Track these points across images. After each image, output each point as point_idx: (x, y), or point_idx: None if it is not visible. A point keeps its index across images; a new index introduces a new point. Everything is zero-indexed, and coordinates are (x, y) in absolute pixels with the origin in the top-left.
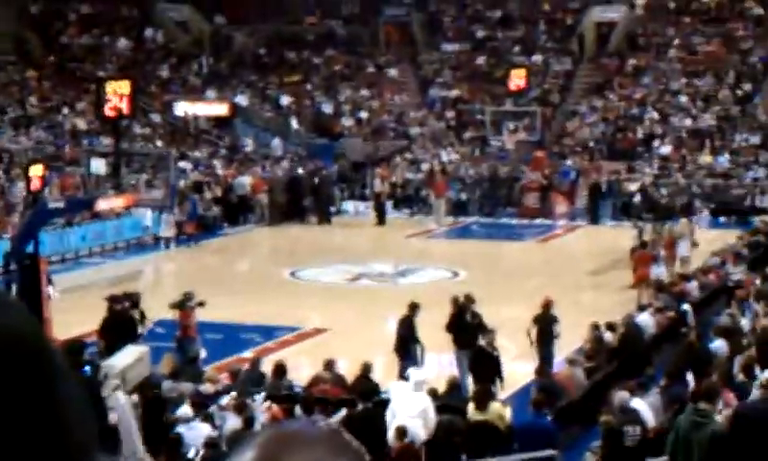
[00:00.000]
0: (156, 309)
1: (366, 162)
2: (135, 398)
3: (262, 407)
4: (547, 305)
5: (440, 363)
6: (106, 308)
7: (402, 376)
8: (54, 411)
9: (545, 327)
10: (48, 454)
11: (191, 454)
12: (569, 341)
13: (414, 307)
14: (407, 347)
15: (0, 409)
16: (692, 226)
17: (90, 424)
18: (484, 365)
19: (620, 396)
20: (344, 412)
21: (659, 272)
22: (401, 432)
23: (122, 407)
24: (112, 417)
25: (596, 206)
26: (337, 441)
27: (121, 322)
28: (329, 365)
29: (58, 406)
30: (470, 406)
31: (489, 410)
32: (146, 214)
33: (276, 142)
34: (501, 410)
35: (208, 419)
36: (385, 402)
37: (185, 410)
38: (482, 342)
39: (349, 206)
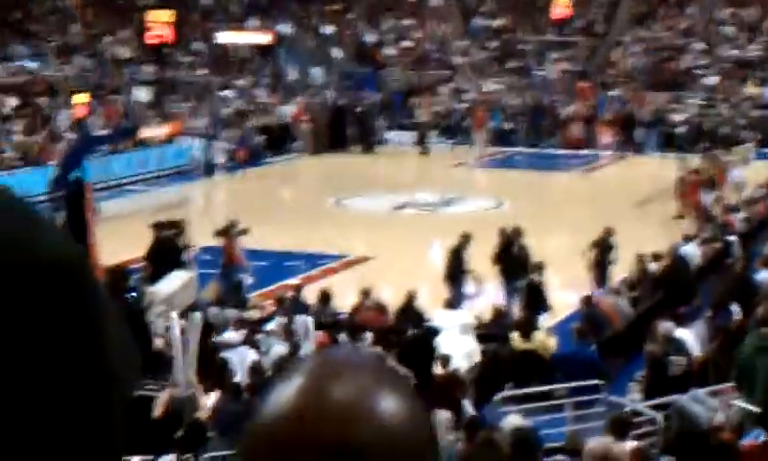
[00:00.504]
0: (202, 236)
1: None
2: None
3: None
4: (608, 232)
5: (485, 292)
6: (151, 235)
7: (451, 306)
8: (94, 338)
9: (603, 252)
10: (87, 381)
11: (237, 379)
12: (615, 271)
13: (465, 238)
14: (457, 276)
15: (40, 334)
16: (746, 152)
17: (132, 354)
18: (534, 297)
19: (665, 326)
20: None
21: (708, 199)
22: (445, 360)
23: (174, 332)
24: (157, 342)
25: (630, 135)
26: (383, 368)
27: (166, 248)
28: (367, 293)
29: (98, 332)
30: (515, 335)
31: (533, 339)
32: (194, 142)
33: (317, 71)
34: (545, 339)
35: (254, 345)
36: (432, 330)
37: (231, 336)
38: (532, 275)
39: (392, 135)
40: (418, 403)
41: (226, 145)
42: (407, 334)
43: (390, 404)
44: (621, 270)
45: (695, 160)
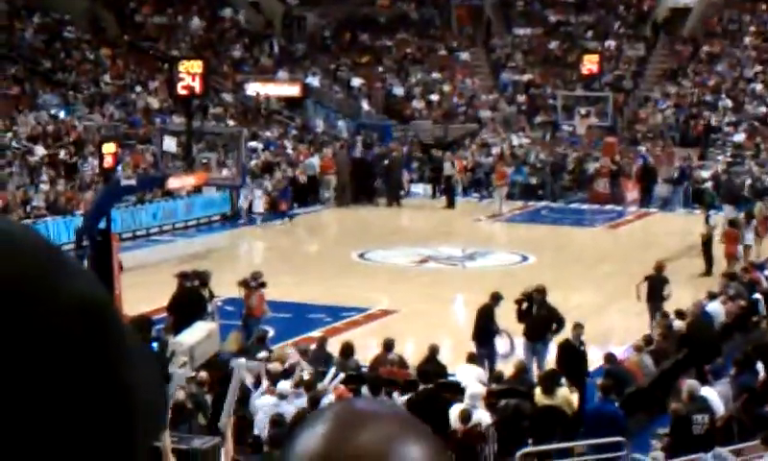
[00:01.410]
0: (226, 287)
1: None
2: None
3: (333, 385)
4: (660, 268)
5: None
6: (176, 285)
7: (473, 360)
8: (121, 377)
9: (656, 286)
10: (112, 425)
11: (257, 431)
12: (639, 328)
13: (496, 297)
14: (486, 335)
15: (69, 374)
16: None
17: (160, 397)
18: (569, 358)
19: (690, 384)
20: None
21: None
22: (466, 415)
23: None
24: (179, 393)
25: (649, 189)
26: (406, 419)
27: (190, 299)
28: (388, 346)
29: (124, 375)
30: (537, 391)
31: (556, 395)
32: (240, 191)
33: (342, 124)
34: (568, 395)
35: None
36: (450, 385)
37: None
38: (570, 336)
39: (419, 188)
40: (441, 453)
41: (263, 195)
42: (419, 389)
43: (414, 453)
44: (645, 327)
45: (720, 217)
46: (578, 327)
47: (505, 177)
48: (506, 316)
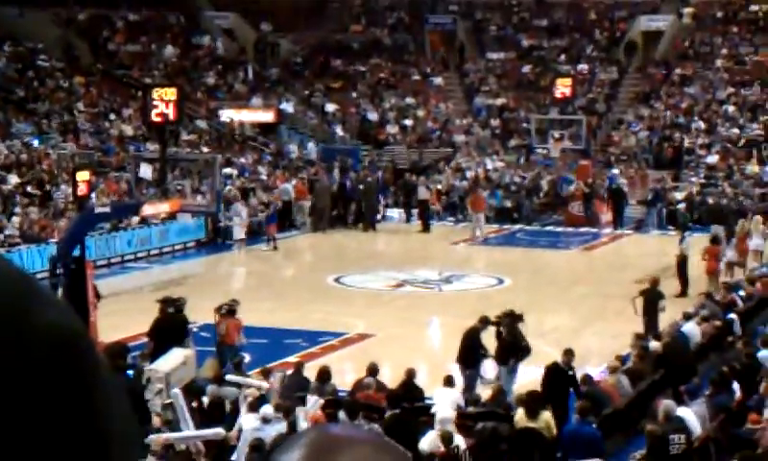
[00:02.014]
0: (202, 313)
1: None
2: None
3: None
4: (654, 282)
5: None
6: (158, 310)
7: (450, 383)
8: (95, 408)
9: (651, 301)
10: (80, 448)
11: (234, 457)
12: (614, 350)
13: (483, 321)
14: (472, 358)
15: (40, 406)
16: (763, 223)
17: (133, 428)
18: (555, 382)
19: (666, 404)
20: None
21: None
22: (448, 438)
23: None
24: (155, 421)
25: (619, 210)
26: (382, 443)
27: (171, 324)
28: (373, 370)
29: (98, 404)
30: (520, 412)
31: (539, 419)
32: (235, 223)
33: (311, 146)
34: (550, 420)
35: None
36: (423, 409)
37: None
38: (560, 361)
39: (394, 213)
40: None
41: (243, 221)
42: (390, 413)
43: None
44: (621, 348)
45: (694, 238)
46: (568, 354)
47: (483, 203)
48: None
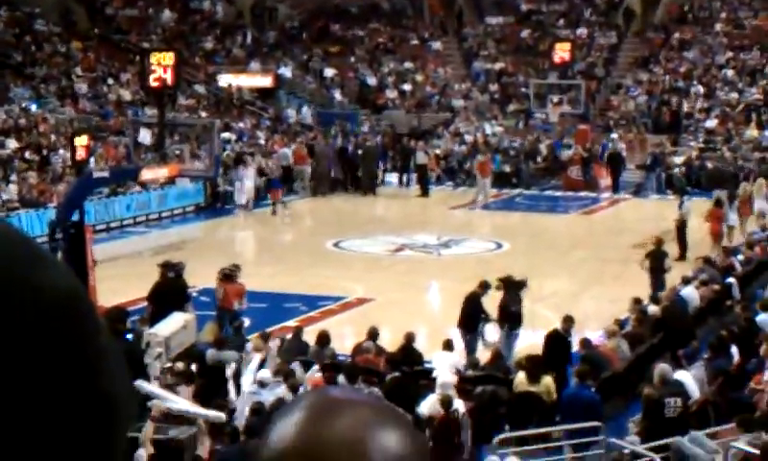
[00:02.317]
0: (201, 278)
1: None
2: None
3: (312, 376)
4: (659, 242)
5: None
6: (158, 275)
7: (449, 347)
8: (96, 368)
9: (657, 260)
10: (83, 409)
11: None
12: (613, 313)
13: (483, 286)
14: (473, 323)
15: (43, 366)
16: (765, 186)
17: (131, 390)
18: (555, 348)
19: (661, 368)
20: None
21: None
22: (447, 401)
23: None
24: (154, 384)
25: (617, 175)
26: (383, 406)
27: (171, 289)
28: (373, 334)
29: (100, 364)
30: (520, 376)
31: (540, 383)
32: (242, 188)
33: (306, 110)
34: (551, 384)
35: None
36: (423, 372)
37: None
38: (559, 327)
39: (393, 177)
40: (418, 437)
41: (250, 185)
42: (391, 376)
43: (391, 438)
44: (620, 312)
45: (692, 202)
46: (568, 321)
47: (489, 169)
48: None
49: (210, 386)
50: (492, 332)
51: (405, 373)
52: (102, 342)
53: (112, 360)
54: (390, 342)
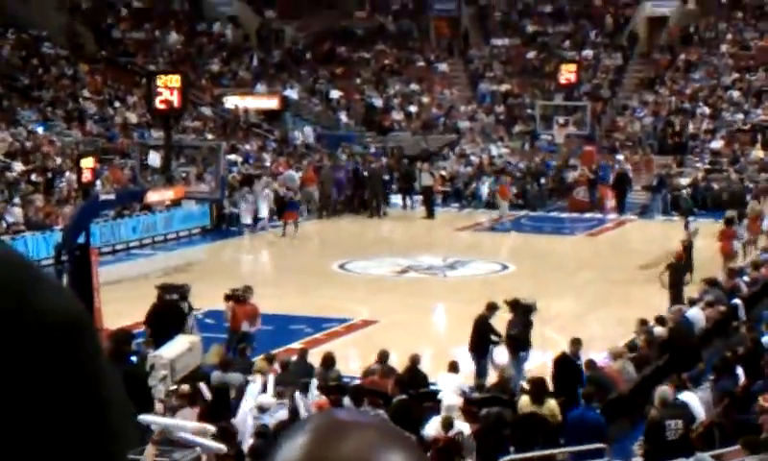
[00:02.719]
0: (207, 300)
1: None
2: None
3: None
4: (679, 257)
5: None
6: (156, 297)
7: (455, 369)
8: (95, 391)
9: (677, 273)
10: (83, 438)
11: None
12: (619, 334)
13: (491, 308)
14: (483, 345)
15: (43, 388)
16: None
17: (129, 413)
18: (565, 372)
19: (661, 390)
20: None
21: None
22: (448, 423)
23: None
24: (158, 407)
25: (622, 196)
26: (387, 428)
27: (169, 311)
28: (383, 357)
29: (98, 389)
30: (524, 399)
31: (544, 406)
32: (248, 208)
33: (308, 130)
34: (555, 407)
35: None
36: (429, 394)
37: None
38: (567, 350)
39: (397, 199)
40: (421, 459)
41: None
42: (397, 399)
43: (396, 459)
44: (626, 334)
45: (699, 224)
46: (576, 343)
47: (508, 191)
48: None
49: (216, 408)
50: (501, 354)
51: (411, 395)
52: (101, 365)
53: (111, 383)
54: (395, 364)
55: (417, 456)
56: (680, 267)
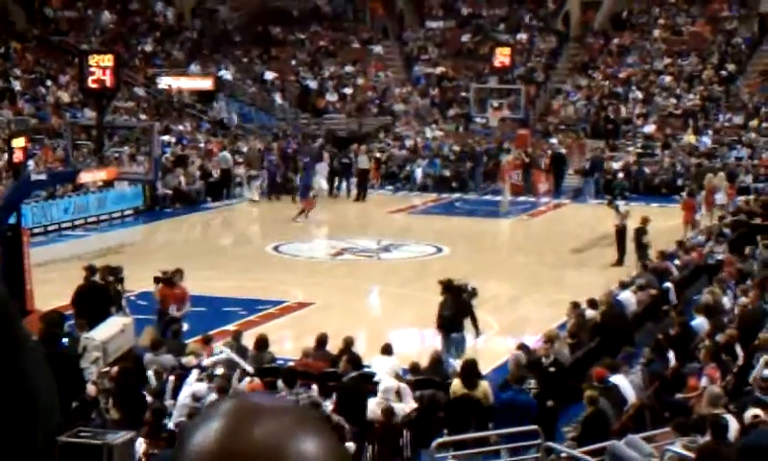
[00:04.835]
0: (139, 282)
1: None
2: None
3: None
4: (644, 220)
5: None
6: (83, 278)
7: (388, 351)
8: (16, 378)
9: (639, 236)
10: (14, 423)
11: (172, 424)
12: (552, 317)
13: (460, 288)
14: (449, 326)
15: None
16: (725, 180)
17: (53, 395)
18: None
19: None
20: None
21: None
22: (389, 412)
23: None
24: (90, 389)
25: (560, 178)
26: (301, 413)
27: (96, 291)
28: (321, 341)
29: (20, 374)
30: (456, 382)
31: (477, 389)
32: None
33: (257, 117)
34: (488, 389)
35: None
36: (365, 377)
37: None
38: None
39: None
40: (337, 447)
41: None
42: (342, 380)
43: (309, 447)
44: (559, 316)
45: (629, 208)
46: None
47: (510, 175)
48: (417, 305)
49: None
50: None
51: (355, 376)
52: (28, 342)
53: (37, 358)
54: (329, 346)
55: (330, 442)
56: (640, 231)
